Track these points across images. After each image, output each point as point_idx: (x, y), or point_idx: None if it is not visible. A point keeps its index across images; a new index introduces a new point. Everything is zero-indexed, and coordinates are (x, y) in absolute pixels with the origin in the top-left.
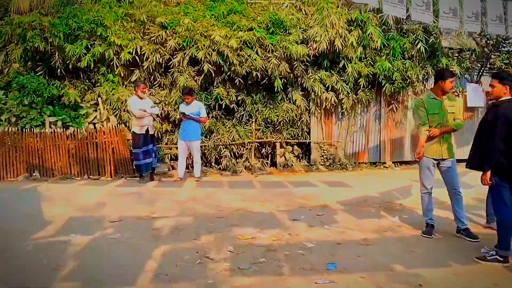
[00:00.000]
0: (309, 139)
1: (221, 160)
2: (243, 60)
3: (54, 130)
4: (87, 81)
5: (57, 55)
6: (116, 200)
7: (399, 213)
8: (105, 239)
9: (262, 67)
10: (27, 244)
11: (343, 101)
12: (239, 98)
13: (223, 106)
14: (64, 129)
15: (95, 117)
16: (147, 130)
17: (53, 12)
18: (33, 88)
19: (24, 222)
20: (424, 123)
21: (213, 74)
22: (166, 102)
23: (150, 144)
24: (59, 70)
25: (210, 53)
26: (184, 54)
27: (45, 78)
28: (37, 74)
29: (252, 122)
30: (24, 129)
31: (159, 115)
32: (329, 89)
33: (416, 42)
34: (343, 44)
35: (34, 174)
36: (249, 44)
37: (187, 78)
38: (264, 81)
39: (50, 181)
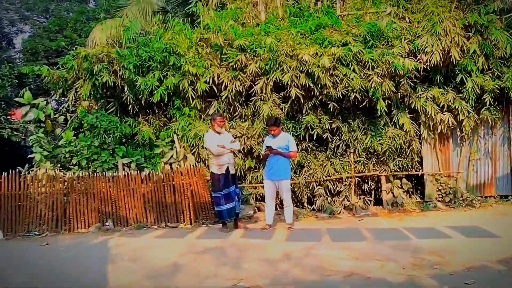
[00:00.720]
0: (422, 170)
1: (315, 199)
2: (338, 80)
3: (127, 173)
4: (162, 116)
5: (127, 89)
6: (195, 260)
7: None
8: None
9: (361, 87)
10: None
11: (463, 123)
12: (333, 125)
13: (315, 136)
14: (138, 171)
15: (171, 156)
16: (228, 169)
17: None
18: (104, 128)
19: None
20: None
21: (302, 100)
22: (249, 135)
23: (231, 185)
24: (131, 106)
25: (298, 76)
26: (267, 79)
27: (117, 115)
28: (108, 111)
29: (350, 153)
30: (95, 173)
31: (240, 150)
32: (444, 109)
33: None
34: (460, 55)
35: (106, 224)
36: (344, 62)
37: (271, 106)
38: (363, 104)
39: (124, 232)
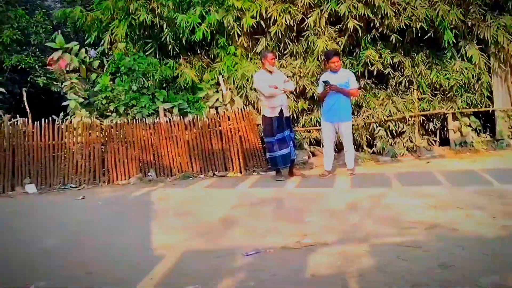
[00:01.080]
0: (492, 106)
1: (375, 141)
2: (400, 9)
3: (169, 119)
4: (205, 57)
5: (167, 28)
6: (249, 214)
7: None
8: None
9: (426, 16)
10: None
11: None
12: (394, 60)
13: (375, 73)
14: (181, 116)
15: (217, 99)
16: (281, 112)
17: None
18: (142, 70)
19: (126, 259)
20: None
21: (360, 33)
22: (301, 75)
23: (286, 129)
24: (171, 46)
25: (355, 5)
26: (321, 10)
27: (156, 57)
28: (147, 53)
29: (414, 89)
30: (134, 120)
31: (293, 91)
32: None
33: None
34: None
35: (149, 174)
36: None
37: (326, 41)
38: (427, 36)
39: (168, 183)
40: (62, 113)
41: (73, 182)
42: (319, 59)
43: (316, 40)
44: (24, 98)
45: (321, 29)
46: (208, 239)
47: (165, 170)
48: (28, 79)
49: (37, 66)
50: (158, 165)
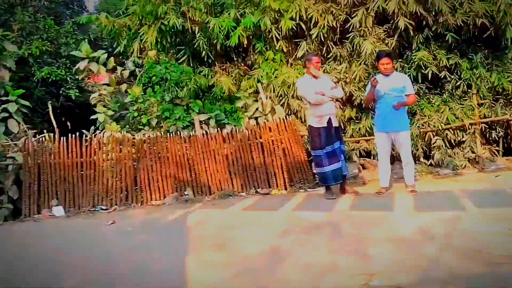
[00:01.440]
0: None
1: (432, 152)
2: (456, 5)
3: (206, 132)
4: (241, 64)
5: (199, 33)
6: (300, 243)
7: None
8: None
9: (486, 12)
10: None
11: None
12: (450, 62)
13: (429, 77)
14: (218, 128)
15: (256, 109)
16: (330, 121)
17: None
18: (175, 80)
19: None
20: None
21: (411, 32)
22: (347, 80)
23: (336, 141)
24: (204, 53)
25: (406, 2)
26: (367, 9)
27: (190, 65)
28: (179, 61)
29: (472, 94)
30: (169, 133)
31: (339, 99)
32: None
33: None
34: None
35: (185, 193)
36: None
37: (374, 42)
38: (486, 34)
39: (206, 202)
40: (92, 127)
41: (104, 203)
42: (366, 62)
43: (362, 42)
44: (50, 112)
45: (368, 29)
46: (255, 279)
47: (202, 188)
48: (60, 91)
49: (68, 78)
50: (195, 182)
